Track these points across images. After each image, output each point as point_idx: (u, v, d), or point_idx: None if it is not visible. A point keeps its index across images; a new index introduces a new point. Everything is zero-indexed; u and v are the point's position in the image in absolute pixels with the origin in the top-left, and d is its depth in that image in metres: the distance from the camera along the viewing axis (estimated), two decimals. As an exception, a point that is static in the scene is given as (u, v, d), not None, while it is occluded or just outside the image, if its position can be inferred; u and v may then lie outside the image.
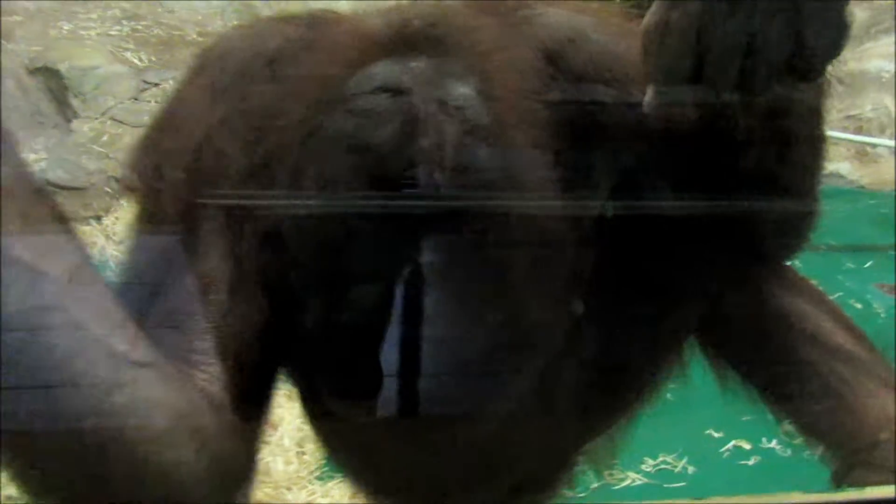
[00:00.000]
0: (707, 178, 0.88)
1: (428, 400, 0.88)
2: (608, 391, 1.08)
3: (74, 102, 3.98)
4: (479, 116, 0.80)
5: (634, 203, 0.99)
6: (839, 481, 1.05)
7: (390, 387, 0.87)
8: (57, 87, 4.00)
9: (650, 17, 0.74)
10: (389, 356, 0.86)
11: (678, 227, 0.91)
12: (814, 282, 1.18)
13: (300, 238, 0.83)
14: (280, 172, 0.85)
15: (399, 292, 0.84)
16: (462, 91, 0.81)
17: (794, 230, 0.99)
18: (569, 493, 1.40)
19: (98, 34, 4.22)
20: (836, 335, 1.07)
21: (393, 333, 0.86)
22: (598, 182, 0.93)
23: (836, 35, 0.71)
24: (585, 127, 0.90)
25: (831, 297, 1.17)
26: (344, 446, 1.19)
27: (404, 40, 0.84)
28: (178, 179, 0.88)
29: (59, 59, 4.02)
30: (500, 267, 0.84)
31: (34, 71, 4.02)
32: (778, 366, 1.08)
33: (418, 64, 0.82)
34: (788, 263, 1.12)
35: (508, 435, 1.01)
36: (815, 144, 0.94)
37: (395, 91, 0.79)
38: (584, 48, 0.92)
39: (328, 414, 0.96)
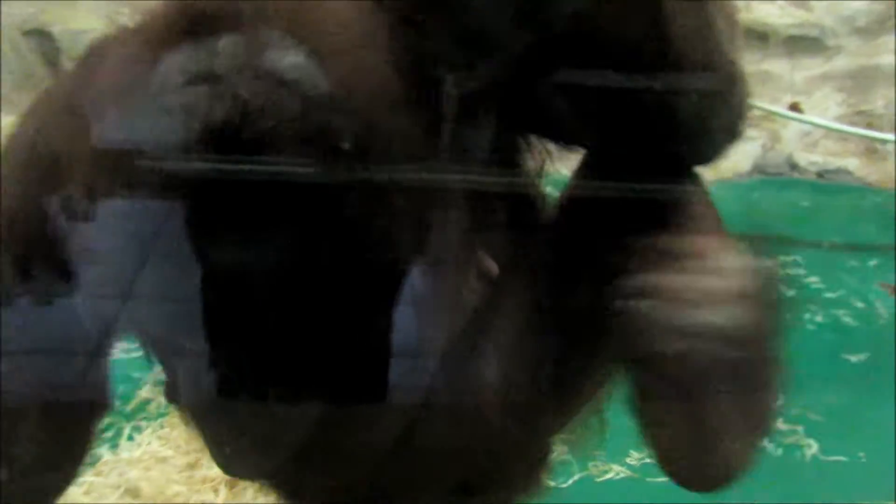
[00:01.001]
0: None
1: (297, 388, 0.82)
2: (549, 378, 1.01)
3: (68, 66, 3.91)
4: (318, 82, 0.68)
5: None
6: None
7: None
8: (50, 50, 3.93)
9: None
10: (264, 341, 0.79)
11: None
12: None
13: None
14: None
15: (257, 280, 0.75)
16: (291, 59, 0.67)
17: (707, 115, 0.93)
18: (550, 484, 1.35)
19: (94, -2, 4.15)
20: None
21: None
22: (483, 145, 0.86)
23: None
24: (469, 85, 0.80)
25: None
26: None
27: (193, 24, 0.69)
28: None
29: (51, 22, 3.93)
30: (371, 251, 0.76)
31: (27, 33, 3.94)
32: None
33: (226, 43, 0.67)
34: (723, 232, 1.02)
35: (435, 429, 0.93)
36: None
37: (210, 77, 0.66)
38: None
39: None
